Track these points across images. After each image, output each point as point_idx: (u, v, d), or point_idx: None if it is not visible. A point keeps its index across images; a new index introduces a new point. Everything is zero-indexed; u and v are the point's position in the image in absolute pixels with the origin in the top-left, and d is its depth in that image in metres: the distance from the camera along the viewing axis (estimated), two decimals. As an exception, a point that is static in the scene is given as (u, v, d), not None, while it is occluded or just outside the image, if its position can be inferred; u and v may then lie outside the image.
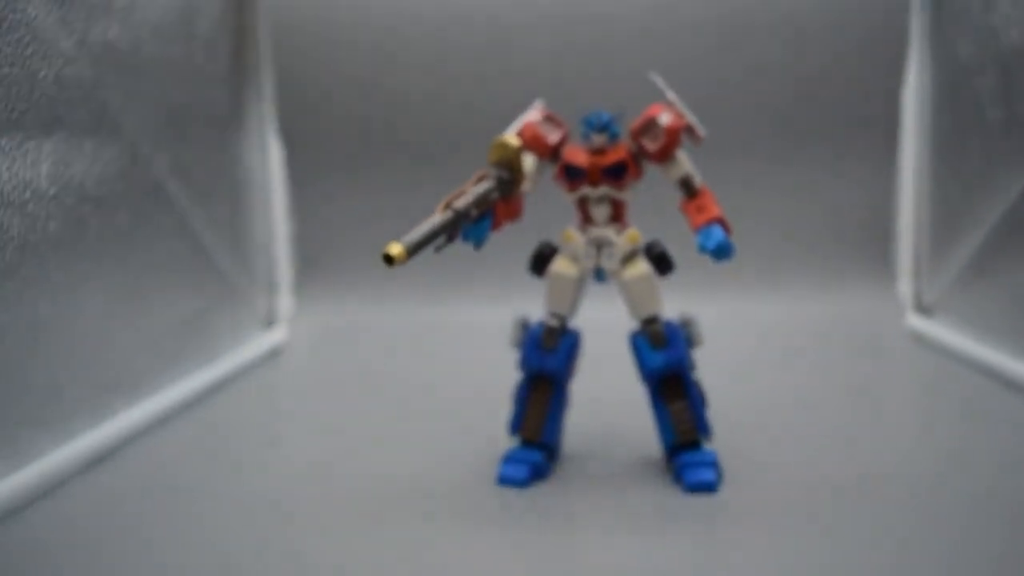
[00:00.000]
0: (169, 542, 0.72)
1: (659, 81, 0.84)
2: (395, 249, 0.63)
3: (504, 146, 0.77)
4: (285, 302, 1.66)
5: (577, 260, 0.87)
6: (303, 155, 1.68)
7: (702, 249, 0.81)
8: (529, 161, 0.85)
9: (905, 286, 1.63)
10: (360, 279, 1.66)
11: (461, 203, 0.71)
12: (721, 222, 0.82)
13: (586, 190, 0.86)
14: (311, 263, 1.69)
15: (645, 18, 1.66)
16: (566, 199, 0.88)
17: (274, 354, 1.51)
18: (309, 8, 1.61)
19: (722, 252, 0.80)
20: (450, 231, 0.70)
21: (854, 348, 1.44)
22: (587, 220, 0.87)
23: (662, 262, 0.86)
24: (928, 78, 1.61)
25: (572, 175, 0.86)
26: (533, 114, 0.87)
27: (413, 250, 0.65)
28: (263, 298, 1.63)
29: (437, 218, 0.69)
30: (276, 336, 1.57)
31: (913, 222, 1.65)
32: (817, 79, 1.65)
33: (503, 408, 0.92)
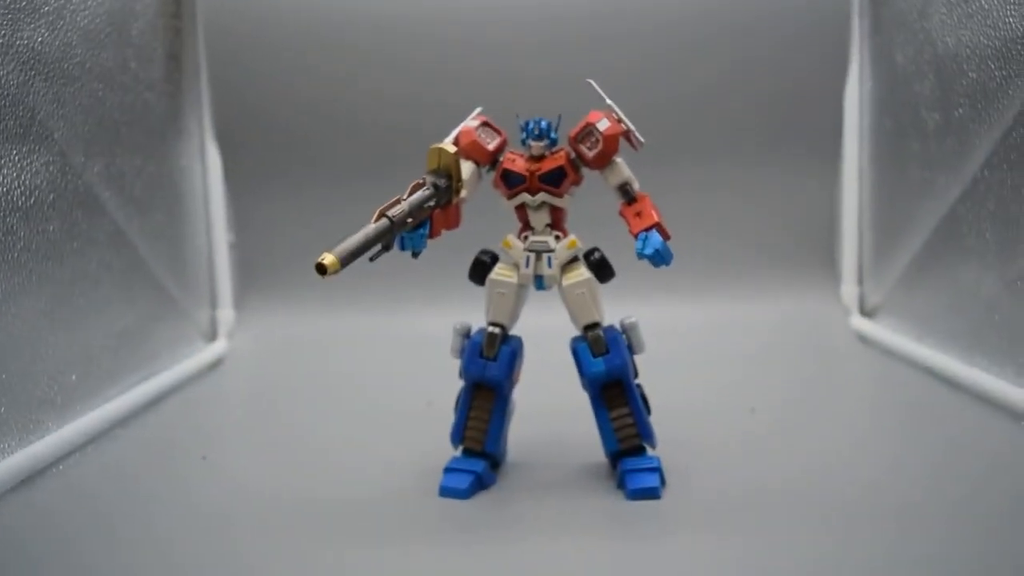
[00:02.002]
0: (101, 566, 0.71)
1: (597, 87, 0.85)
2: (328, 259, 0.63)
3: (441, 153, 0.78)
4: (226, 314, 1.60)
5: (517, 268, 0.87)
6: (242, 162, 1.65)
7: (640, 255, 0.82)
8: (467, 168, 0.86)
9: (849, 289, 1.61)
10: (302, 290, 1.60)
11: (396, 211, 0.71)
12: (659, 228, 0.84)
13: (525, 197, 0.87)
14: (252, 274, 1.63)
15: (587, 23, 1.66)
16: (505, 206, 0.88)
17: (215, 367, 1.50)
18: (247, 11, 1.59)
19: (660, 258, 0.82)
20: (385, 240, 0.70)
21: (800, 351, 1.43)
22: (526, 227, 0.88)
23: (602, 268, 0.87)
24: (868, 83, 1.64)
25: (510, 182, 0.86)
26: (471, 121, 0.88)
27: (346, 260, 0.65)
28: (203, 310, 1.61)
29: (371, 227, 0.69)
30: (217, 349, 1.55)
31: (856, 226, 1.68)
32: (762, 84, 1.66)
33: (447, 418, 0.91)
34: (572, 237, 0.88)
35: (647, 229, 0.84)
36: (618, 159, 0.86)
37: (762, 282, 1.68)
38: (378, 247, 0.70)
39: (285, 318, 1.63)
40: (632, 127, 0.85)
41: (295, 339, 1.55)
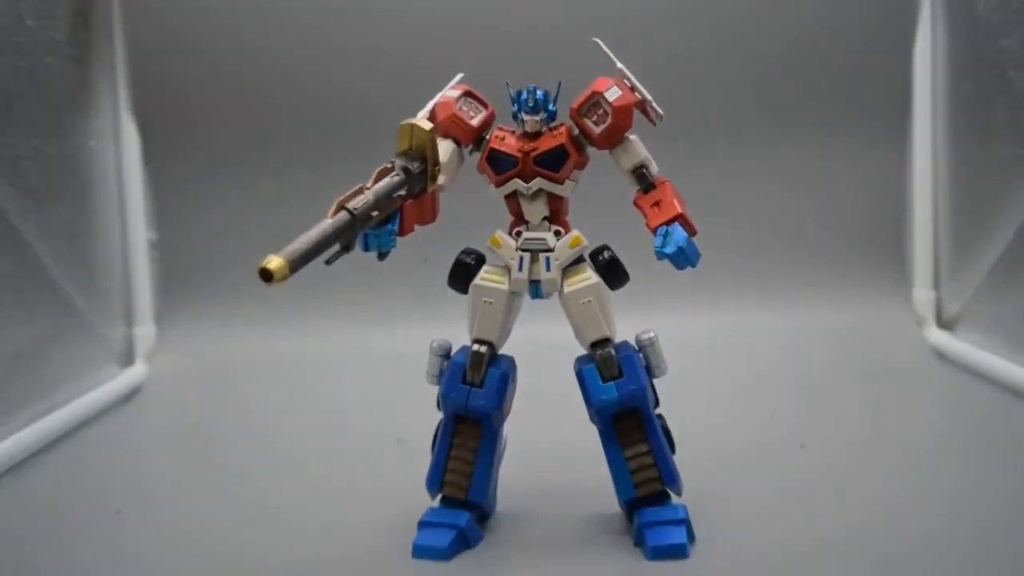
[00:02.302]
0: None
1: (605, 47, 0.86)
2: (274, 262, 0.63)
3: (413, 131, 0.79)
4: (144, 331, 1.64)
5: (507, 271, 0.89)
6: (165, 143, 1.64)
7: (660, 253, 0.84)
8: (445, 148, 0.87)
9: (923, 295, 1.64)
10: (239, 300, 1.61)
11: (359, 204, 0.72)
12: (683, 221, 0.85)
13: (517, 184, 0.88)
14: (177, 281, 1.65)
15: None
16: (492, 195, 0.90)
17: (131, 397, 1.50)
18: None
19: (684, 257, 0.83)
20: (345, 238, 0.71)
21: (862, 370, 1.45)
22: (519, 221, 0.89)
23: (613, 271, 0.88)
24: (942, 39, 1.64)
25: (500, 165, 0.88)
26: (450, 91, 0.90)
27: (297, 263, 0.65)
28: (116, 327, 1.61)
29: (327, 223, 0.69)
30: (134, 375, 1.56)
31: (930, 217, 1.68)
32: (811, 43, 1.65)
33: (422, 459, 0.92)
34: (575, 233, 0.89)
35: (668, 222, 0.85)
36: (632, 136, 0.88)
37: (814, 286, 1.67)
38: (336, 247, 0.70)
39: (218, 335, 1.63)
40: (649, 96, 0.86)
41: (230, 361, 1.56)
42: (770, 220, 1.68)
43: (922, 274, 1.66)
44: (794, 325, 1.57)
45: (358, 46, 1.64)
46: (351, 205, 0.71)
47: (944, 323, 1.63)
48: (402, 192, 0.78)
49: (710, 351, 1.48)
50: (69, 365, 1.38)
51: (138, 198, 1.63)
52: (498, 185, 0.89)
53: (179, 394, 1.48)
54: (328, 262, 0.71)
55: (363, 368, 1.47)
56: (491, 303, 0.89)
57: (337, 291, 1.57)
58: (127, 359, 1.58)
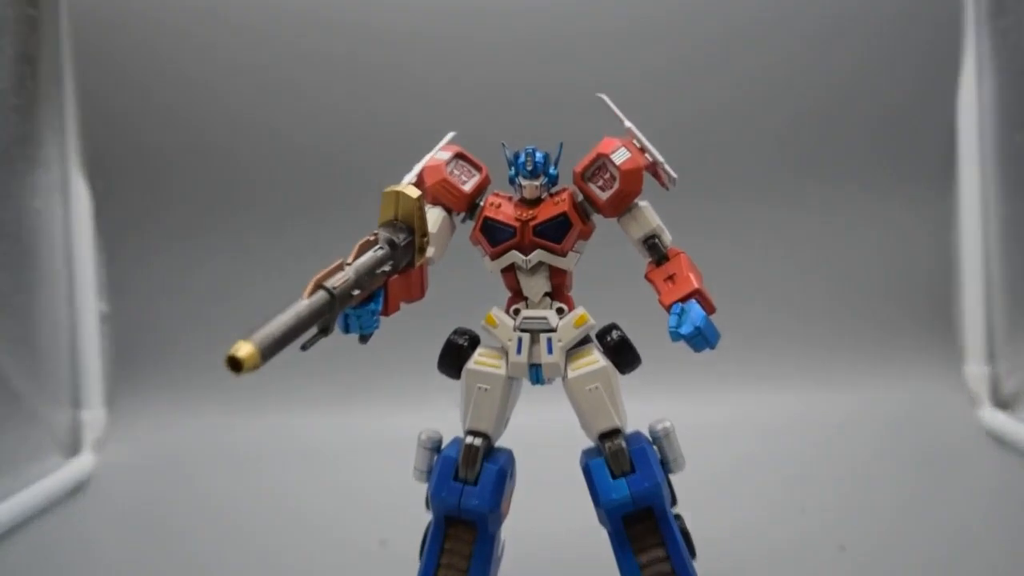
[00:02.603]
0: None
1: (611, 104, 0.88)
2: (244, 350, 0.61)
3: (398, 198, 0.79)
4: (93, 416, 1.62)
5: (505, 354, 0.89)
6: (119, 205, 1.64)
7: (675, 334, 0.85)
8: (434, 217, 0.89)
9: (976, 370, 1.64)
10: (198, 381, 1.60)
11: (338, 281, 0.72)
12: (700, 297, 0.86)
13: (515, 256, 0.89)
14: (131, 359, 1.64)
15: (602, 15, 1.62)
16: (488, 269, 0.91)
17: (78, 491, 1.48)
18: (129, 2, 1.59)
19: (701, 339, 0.84)
20: (323, 320, 0.70)
21: (909, 454, 1.44)
22: (517, 297, 0.91)
23: (623, 353, 0.89)
24: (989, 83, 1.65)
25: (495, 235, 0.90)
26: (441, 152, 0.91)
27: (270, 350, 0.64)
28: (62, 411, 1.61)
29: (304, 303, 0.68)
30: (81, 465, 1.55)
31: (981, 280, 1.68)
32: (847, 88, 1.66)
33: (409, 565, 0.91)
34: (581, 311, 0.90)
35: (684, 299, 0.86)
36: (642, 203, 0.89)
37: (852, 362, 1.66)
38: (314, 330, 0.70)
39: (177, 421, 1.61)
40: (660, 157, 0.88)
41: (190, 450, 1.54)
42: (799, 289, 1.67)
43: (974, 346, 1.66)
44: (829, 407, 1.57)
45: (337, 100, 1.63)
46: (330, 284, 0.71)
47: (1000, 401, 1.63)
48: (387, 268, 0.77)
49: (734, 439, 1.47)
50: (6, 455, 1.37)
51: (88, 265, 1.63)
52: (494, 258, 0.90)
53: (132, 488, 1.46)
54: (304, 347, 0.70)
55: (341, 459, 1.46)
56: (486, 390, 0.89)
57: (312, 372, 1.55)
58: (73, 448, 1.57)
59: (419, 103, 1.56)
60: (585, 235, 0.90)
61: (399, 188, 0.79)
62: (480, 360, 0.90)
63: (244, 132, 1.62)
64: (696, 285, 0.87)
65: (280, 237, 1.60)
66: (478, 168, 0.92)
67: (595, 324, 0.90)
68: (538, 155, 0.88)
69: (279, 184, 1.63)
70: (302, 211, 1.61)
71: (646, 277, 0.90)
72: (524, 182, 0.89)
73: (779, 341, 1.64)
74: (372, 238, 0.77)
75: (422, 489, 0.91)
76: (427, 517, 0.91)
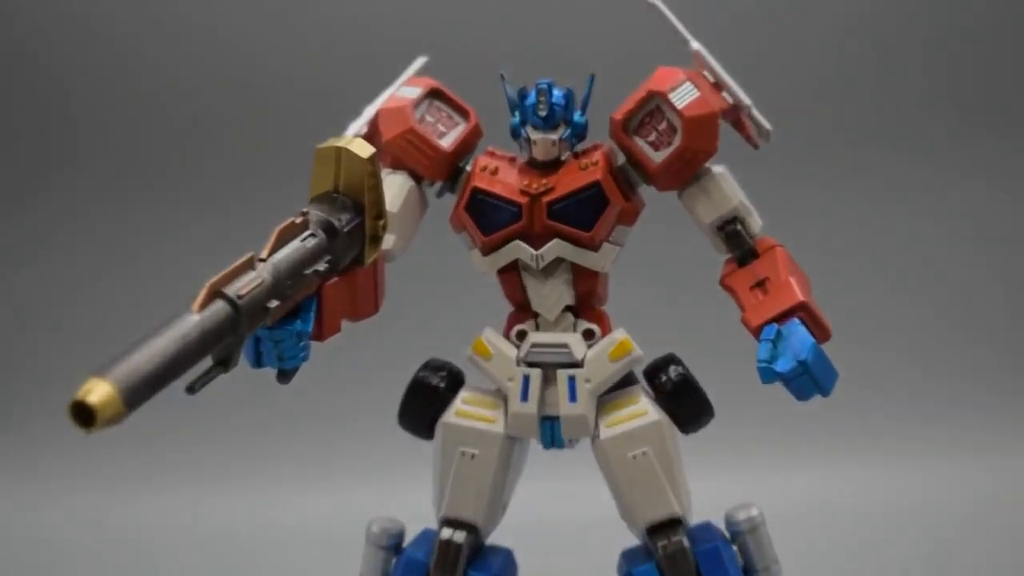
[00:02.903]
0: None
1: (668, 13, 0.79)
2: (97, 392, 0.55)
3: (341, 158, 0.73)
4: None
5: (502, 401, 0.82)
6: None
7: (768, 371, 0.75)
8: (396, 188, 0.81)
9: None
10: (48, 446, 1.48)
11: (246, 287, 0.65)
12: (808, 315, 0.77)
13: (520, 249, 0.81)
14: None
15: None
16: (477, 268, 0.83)
17: None
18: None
19: (807, 381, 0.75)
20: (222, 347, 0.64)
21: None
22: (523, 313, 0.83)
23: (686, 400, 0.81)
24: None
25: (490, 217, 0.81)
26: (406, 89, 0.83)
27: (138, 394, 0.57)
28: None
29: (191, 321, 0.61)
30: None
31: None
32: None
33: None
34: (621, 335, 0.81)
35: (782, 318, 0.77)
36: (717, 169, 0.81)
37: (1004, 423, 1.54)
38: (208, 362, 0.64)
39: (17, 501, 1.50)
40: (746, 99, 0.79)
41: (43, 539, 1.42)
42: (943, 311, 1.55)
43: None
44: (977, 481, 1.45)
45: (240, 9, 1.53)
46: (233, 290, 0.64)
47: None
48: (321, 266, 0.71)
49: (847, 529, 1.34)
50: None
51: None
52: (487, 252, 0.82)
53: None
54: (192, 388, 0.64)
55: (251, 551, 1.32)
56: (473, 456, 0.81)
57: (210, 429, 1.44)
58: None
59: (376, 17, 1.43)
60: (628, 217, 0.81)
61: (340, 143, 0.73)
62: (464, 410, 0.82)
63: (116, 85, 1.53)
64: (801, 297, 0.77)
65: (165, 214, 1.49)
66: (463, 113, 0.83)
67: (642, 355, 0.81)
68: (556, 93, 0.79)
69: (169, 145, 1.53)
70: (197, 177, 1.49)
71: (722, 282, 0.81)
72: (535, 135, 0.79)
73: (916, 387, 1.52)
74: (299, 220, 0.71)
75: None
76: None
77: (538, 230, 0.80)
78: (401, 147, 0.81)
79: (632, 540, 0.83)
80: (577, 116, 0.80)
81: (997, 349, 1.55)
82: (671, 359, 0.82)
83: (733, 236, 0.80)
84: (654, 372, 0.81)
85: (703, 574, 0.79)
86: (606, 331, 0.81)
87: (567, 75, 0.82)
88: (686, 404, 0.80)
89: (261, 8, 1.52)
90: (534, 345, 0.80)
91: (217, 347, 0.64)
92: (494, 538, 0.85)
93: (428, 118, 0.82)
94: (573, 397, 0.79)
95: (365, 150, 0.72)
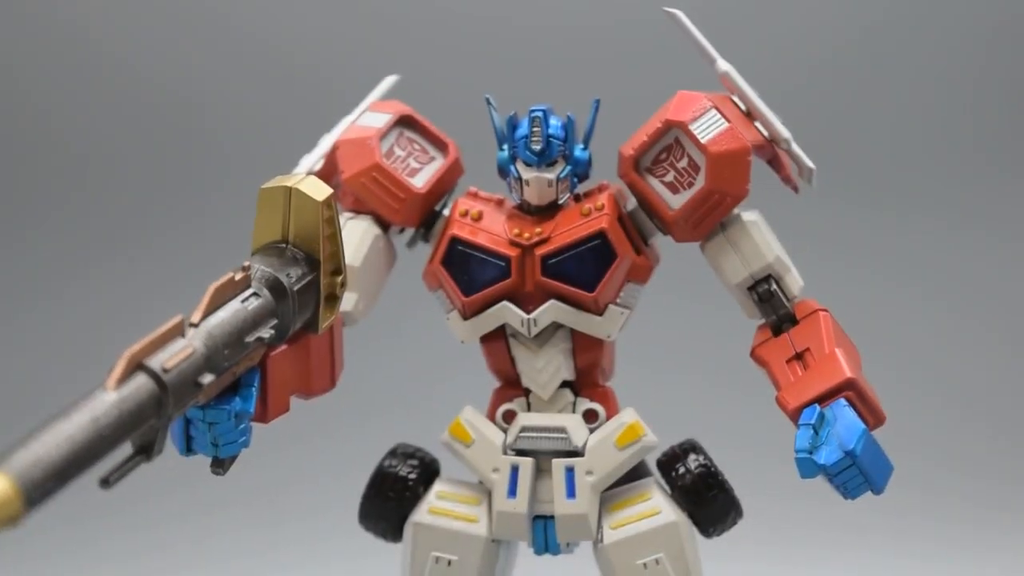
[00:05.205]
0: None
1: (690, 25, 0.75)
2: None
3: (291, 200, 0.68)
4: None
5: (484, 496, 0.78)
6: None
7: (807, 465, 0.69)
8: (359, 236, 0.77)
9: None
10: None
11: (174, 358, 0.59)
12: (857, 395, 0.71)
13: (508, 312, 0.76)
14: None
15: None
16: (455, 335, 0.79)
17: None
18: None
19: (856, 475, 0.69)
20: (143, 432, 0.58)
21: None
22: (511, 389, 0.78)
23: (708, 497, 0.76)
24: None
25: (473, 273, 0.76)
26: (371, 116, 0.79)
27: (39, 490, 0.51)
28: None
29: (106, 399, 0.55)
30: None
31: None
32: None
33: None
34: (630, 417, 0.76)
35: (824, 398, 0.71)
36: (748, 216, 0.76)
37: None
38: (127, 449, 0.59)
39: None
40: (784, 131, 0.74)
41: None
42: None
43: None
44: None
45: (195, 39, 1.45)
46: (157, 362, 0.58)
47: None
48: (265, 333, 0.66)
49: None
50: None
51: None
52: (468, 314, 0.76)
53: None
54: (106, 482, 0.57)
55: None
56: (450, 563, 0.76)
57: (137, 521, 1.31)
58: None
59: (343, 30, 1.34)
60: (639, 274, 0.75)
61: (290, 182, 0.68)
62: (439, 507, 0.77)
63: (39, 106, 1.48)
64: (849, 373, 0.70)
65: (89, 261, 1.41)
66: (440, 145, 0.78)
67: (656, 442, 0.76)
68: (553, 122, 0.74)
69: (95, 179, 1.46)
70: (128, 218, 1.43)
71: (753, 353, 0.75)
72: (528, 173, 0.73)
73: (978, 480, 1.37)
74: (239, 276, 0.65)
75: None
76: None
77: (530, 289, 0.74)
78: (364, 187, 0.76)
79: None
80: (579, 151, 0.75)
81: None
82: (691, 447, 0.77)
83: (767, 298, 0.74)
84: (670, 462, 0.76)
85: None
86: (612, 412, 0.77)
87: (566, 100, 0.78)
88: (708, 501, 0.75)
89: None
90: (524, 429, 0.75)
91: (138, 431, 0.57)
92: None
93: (397, 151, 0.77)
94: (571, 492, 0.75)
95: (320, 191, 0.67)
